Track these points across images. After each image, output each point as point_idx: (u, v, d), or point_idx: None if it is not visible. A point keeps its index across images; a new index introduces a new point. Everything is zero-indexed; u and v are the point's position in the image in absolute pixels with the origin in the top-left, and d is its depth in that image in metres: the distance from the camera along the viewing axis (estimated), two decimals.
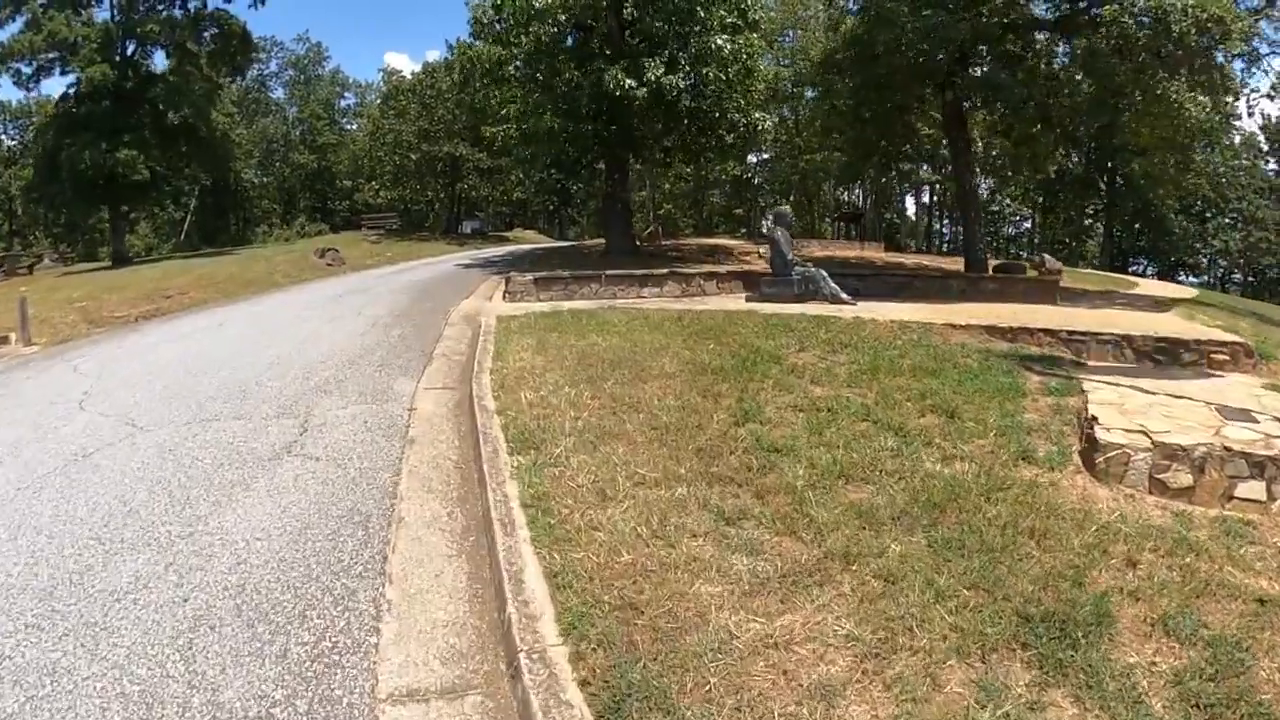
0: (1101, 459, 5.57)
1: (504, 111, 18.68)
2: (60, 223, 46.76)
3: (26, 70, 30.43)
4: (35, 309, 17.27)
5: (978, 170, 19.60)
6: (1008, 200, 50.62)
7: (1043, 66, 17.25)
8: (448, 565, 4.49)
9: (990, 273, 18.38)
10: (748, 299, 13.39)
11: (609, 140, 18.67)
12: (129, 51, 31.41)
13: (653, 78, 16.15)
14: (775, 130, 31.89)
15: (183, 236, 56.01)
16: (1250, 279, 47.97)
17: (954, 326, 8.98)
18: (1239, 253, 46.49)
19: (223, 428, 6.93)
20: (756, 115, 19.40)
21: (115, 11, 30.97)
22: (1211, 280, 48.75)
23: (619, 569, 3.99)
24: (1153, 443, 5.57)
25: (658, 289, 15.29)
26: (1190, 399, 6.96)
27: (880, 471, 5.23)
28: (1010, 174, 25.06)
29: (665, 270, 15.74)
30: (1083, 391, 7.09)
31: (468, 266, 23.30)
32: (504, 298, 15.09)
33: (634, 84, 16.15)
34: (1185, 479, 5.50)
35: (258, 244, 50.41)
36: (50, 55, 29.70)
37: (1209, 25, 13.86)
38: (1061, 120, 17.78)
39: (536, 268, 19.54)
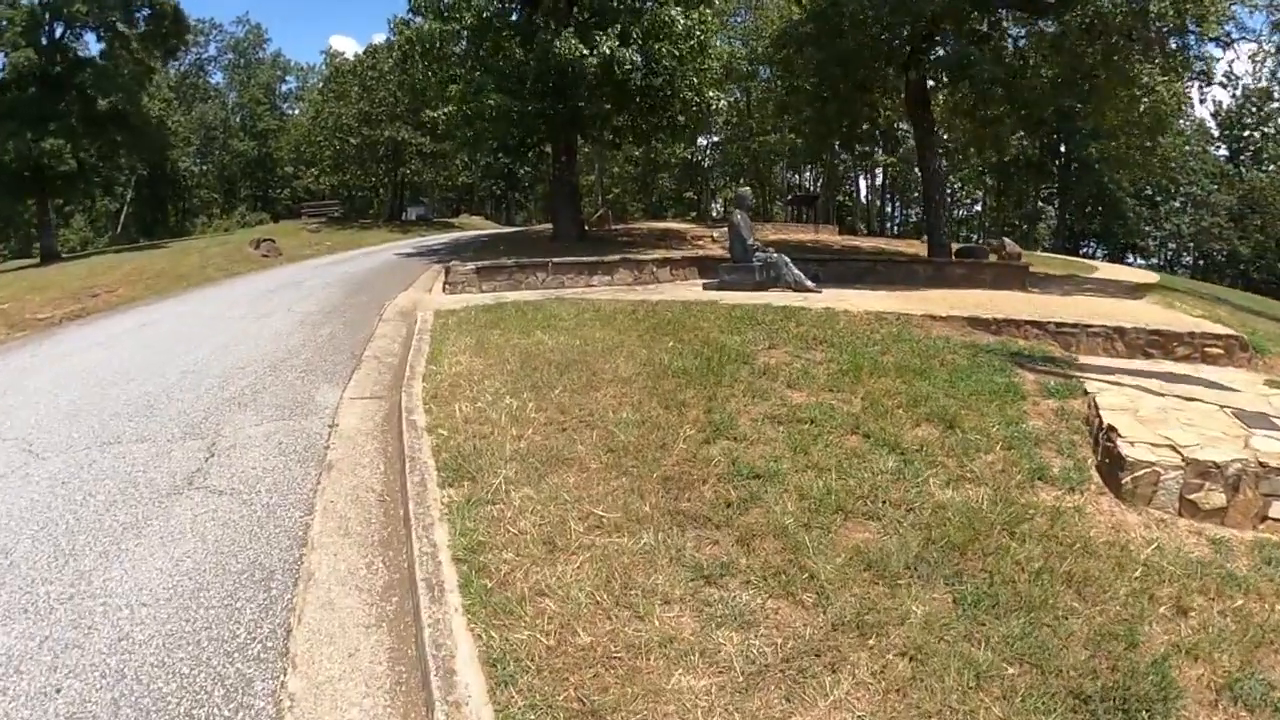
0: (1128, 479, 4.85)
1: (447, 92, 17.48)
2: None
3: None
4: None
5: (939, 152, 18.97)
6: (958, 182, 50.42)
7: (1010, 46, 16.71)
8: (364, 640, 3.56)
9: (954, 258, 17.88)
10: (705, 287, 12.57)
11: (556, 120, 17.57)
12: (57, 34, 29.46)
13: (606, 49, 15.11)
14: (728, 111, 31.07)
15: (119, 229, 53.50)
16: (1200, 261, 48.73)
17: (934, 318, 8.25)
18: (1189, 236, 47.15)
19: (124, 452, 5.97)
20: (710, 94, 18.45)
21: None
22: (1160, 263, 49.42)
23: (575, 655, 3.11)
24: (1183, 459, 4.87)
25: (608, 277, 14.41)
26: (1201, 401, 6.31)
27: (883, 502, 4.42)
28: (970, 156, 24.48)
29: (617, 257, 14.82)
30: (1085, 393, 6.40)
31: (408, 255, 22.18)
32: (444, 289, 14.03)
33: (586, 51, 15.08)
34: (1218, 499, 4.84)
35: (196, 235, 48.25)
36: None
37: (1187, 6, 13.39)
38: (1028, 101, 17.26)
39: (480, 255, 18.59)
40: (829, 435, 5.34)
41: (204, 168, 57.94)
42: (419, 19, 18.39)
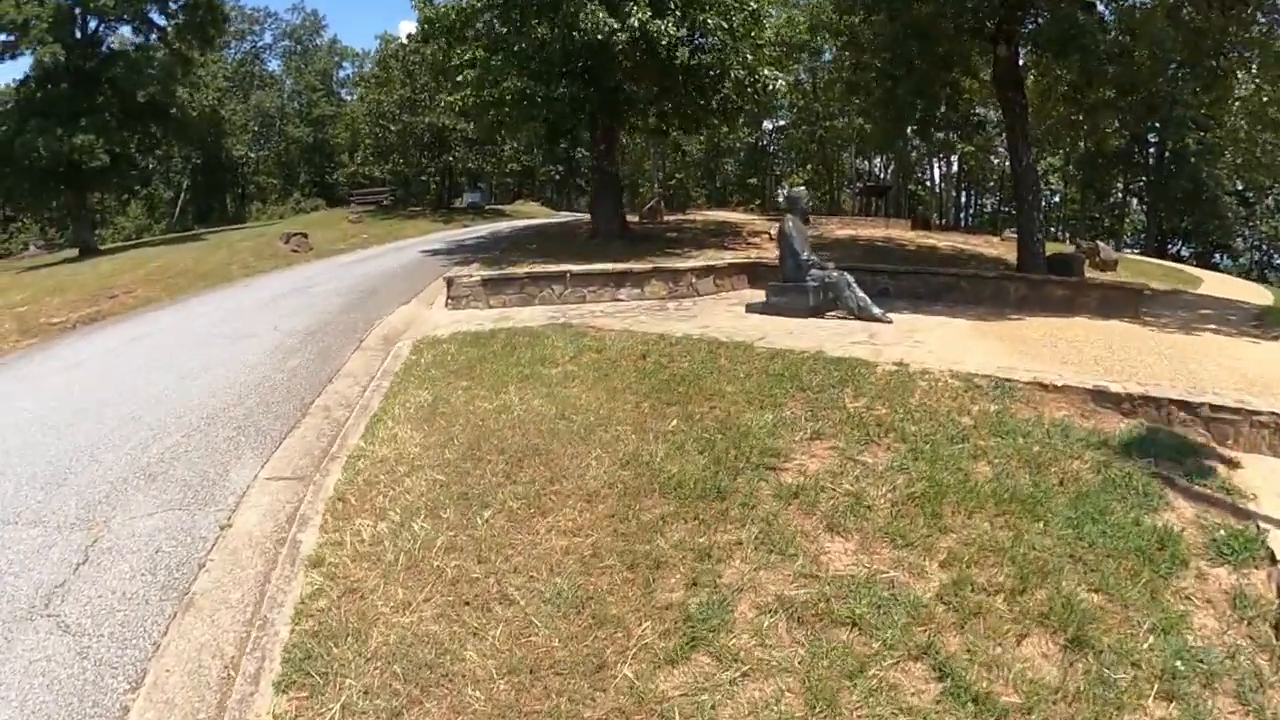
0: None
1: (460, 76, 15.55)
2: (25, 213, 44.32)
3: None
4: None
5: (1034, 142, 16.02)
6: (1040, 172, 46.04)
7: (1114, 18, 13.77)
8: None
9: (1048, 268, 15.15)
10: (748, 309, 10.32)
11: (588, 105, 15.44)
12: (91, 28, 29.03)
13: (636, 21, 12.88)
14: (789, 93, 28.15)
15: (176, 216, 53.74)
16: None
17: (1044, 387, 5.87)
18: None
19: (10, 540, 4.90)
20: (765, 72, 15.99)
21: None
22: (1249, 265, 44.66)
23: None
24: None
25: (638, 290, 12.22)
26: None
27: None
28: (1062, 146, 21.14)
29: (649, 266, 12.55)
30: (1272, 557, 4.10)
31: (434, 253, 20.44)
32: (446, 304, 12.16)
33: (615, 24, 12.87)
34: None
35: (251, 221, 48.18)
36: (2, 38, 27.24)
37: None
38: (1137, 83, 14.32)
39: (508, 255, 16.93)
40: (880, 663, 3.18)
41: (260, 154, 57.76)
42: None
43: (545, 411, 6.29)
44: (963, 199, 48.99)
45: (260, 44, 59.87)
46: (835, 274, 9.70)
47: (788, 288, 9.91)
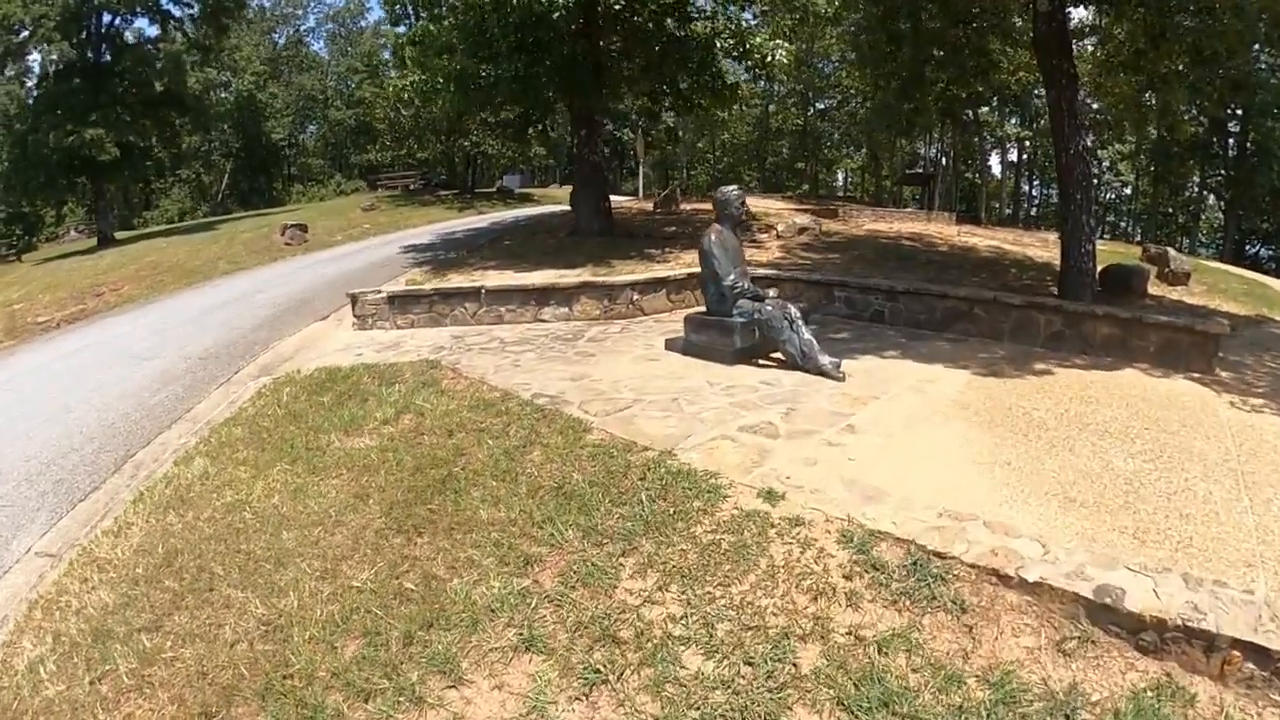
0: None
1: (403, 54, 13.57)
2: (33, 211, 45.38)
3: None
4: None
5: (1085, 124, 12.79)
6: (1106, 160, 40.64)
7: None
8: None
9: (1102, 283, 12.34)
10: (668, 344, 8.14)
11: (543, 85, 13.27)
12: (105, 23, 29.45)
13: None
14: (795, 65, 24.93)
15: (219, 199, 53.94)
16: None
17: (1001, 580, 3.35)
18: None
19: None
20: (758, 41, 13.47)
21: None
22: None
23: None
24: None
25: (565, 309, 10.29)
26: None
27: None
28: (1124, 131, 17.50)
29: (577, 281, 10.45)
30: None
31: (414, 249, 18.94)
32: (353, 325, 10.65)
33: None
34: None
35: (291, 204, 47.93)
36: (6, 39, 27.52)
37: None
38: (1224, 51, 11.32)
39: (474, 256, 15.87)
40: None
41: (302, 137, 57.49)
42: None
43: (273, 515, 4.74)
44: (1025, 188, 44.15)
45: (304, 27, 59.37)
46: (769, 309, 7.30)
47: (709, 322, 7.62)
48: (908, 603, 3.34)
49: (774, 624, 3.20)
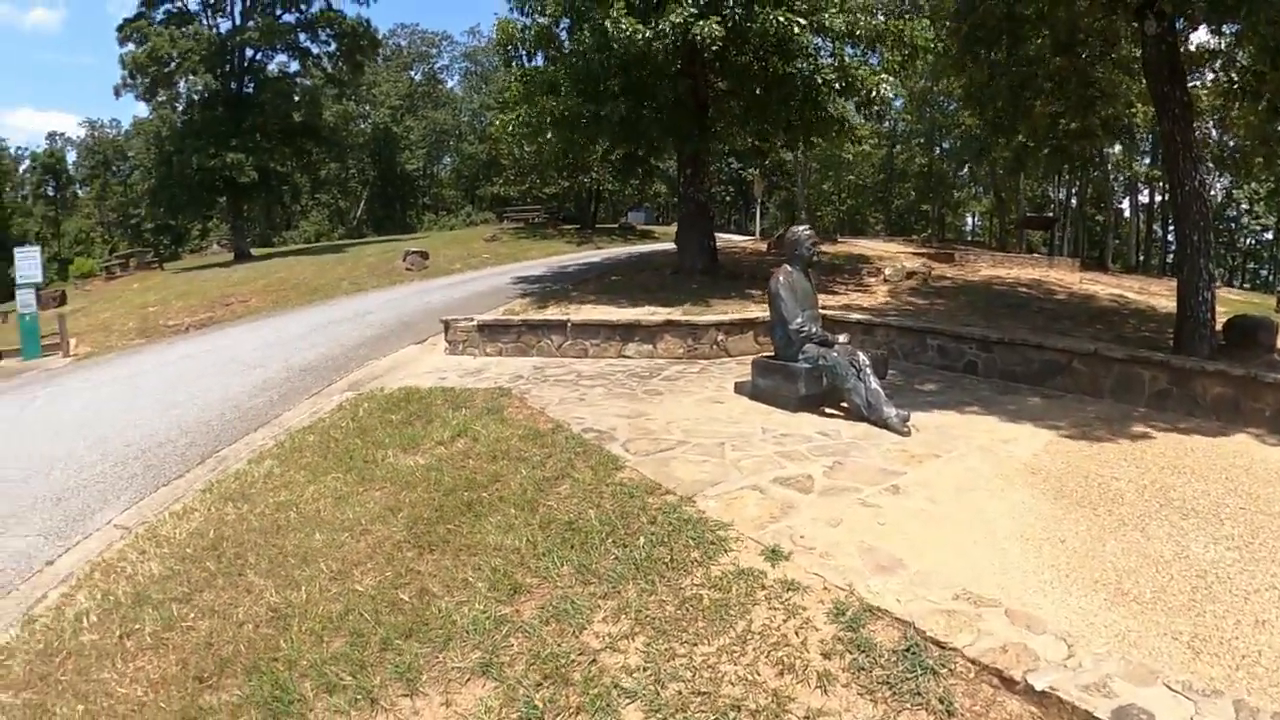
0: None
1: (506, 94, 14.07)
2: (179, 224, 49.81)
3: (143, 84, 31.59)
4: (114, 313, 20.19)
5: (1204, 158, 11.55)
6: (1243, 201, 37.03)
7: None
8: None
9: (1223, 337, 11.30)
10: (737, 388, 8.04)
11: (648, 125, 13.50)
12: (247, 57, 32.51)
13: (666, 26, 10.76)
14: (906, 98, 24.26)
15: (354, 223, 57.68)
16: None
17: (1005, 682, 2.86)
18: None
19: None
20: (861, 73, 13.07)
21: (239, 18, 32.25)
22: None
23: None
24: None
25: (649, 345, 10.36)
26: None
27: None
28: (1255, 168, 15.66)
29: (661, 320, 10.53)
30: None
31: (525, 280, 19.50)
32: (445, 349, 11.14)
33: (647, 33, 10.88)
34: None
35: (422, 231, 50.51)
36: (154, 70, 30.51)
37: None
38: None
39: (578, 289, 16.20)
40: None
41: (436, 168, 60.67)
42: (517, 14, 15.09)
43: (314, 516, 5.07)
44: (1158, 231, 40.95)
45: (439, 65, 63.04)
46: (835, 355, 7.10)
47: (775, 367, 7.46)
48: (886, 693, 2.93)
49: (727, 694, 2.96)
